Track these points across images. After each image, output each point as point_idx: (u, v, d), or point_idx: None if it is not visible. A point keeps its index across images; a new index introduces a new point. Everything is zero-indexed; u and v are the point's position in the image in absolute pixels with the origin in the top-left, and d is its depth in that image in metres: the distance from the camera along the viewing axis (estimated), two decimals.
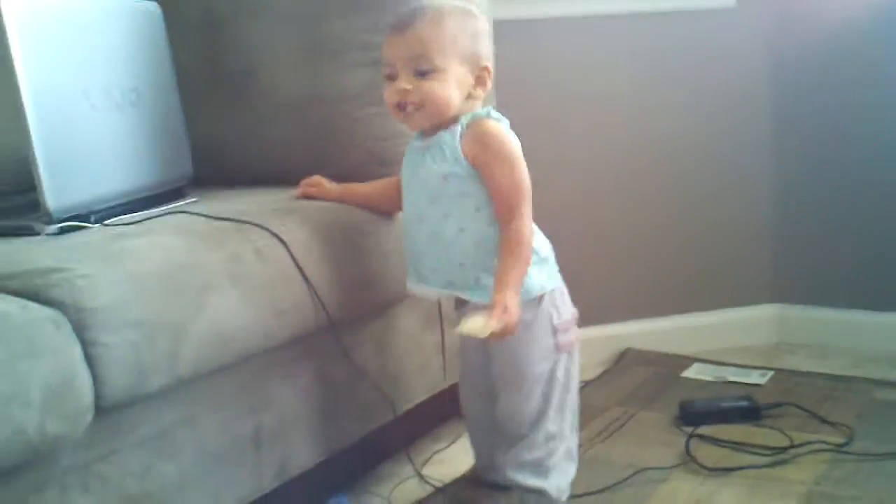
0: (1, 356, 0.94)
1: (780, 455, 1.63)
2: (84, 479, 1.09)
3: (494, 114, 1.33)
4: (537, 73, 2.15)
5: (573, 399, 1.39)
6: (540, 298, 1.33)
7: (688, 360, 2.18)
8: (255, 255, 1.27)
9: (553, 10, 2.13)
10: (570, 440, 1.40)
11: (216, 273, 1.20)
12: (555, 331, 1.34)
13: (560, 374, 1.36)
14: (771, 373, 2.07)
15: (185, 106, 1.55)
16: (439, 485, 1.58)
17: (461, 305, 1.38)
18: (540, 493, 1.37)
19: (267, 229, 1.30)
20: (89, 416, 1.03)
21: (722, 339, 2.30)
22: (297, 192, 1.50)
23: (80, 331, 1.04)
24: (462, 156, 1.29)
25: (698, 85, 2.24)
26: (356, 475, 1.63)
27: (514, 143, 1.30)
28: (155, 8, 1.51)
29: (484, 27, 1.34)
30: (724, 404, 1.83)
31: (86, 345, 1.04)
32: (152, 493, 1.17)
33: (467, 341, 1.39)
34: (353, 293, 1.42)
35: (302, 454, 1.41)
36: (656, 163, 2.26)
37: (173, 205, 1.44)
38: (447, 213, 1.30)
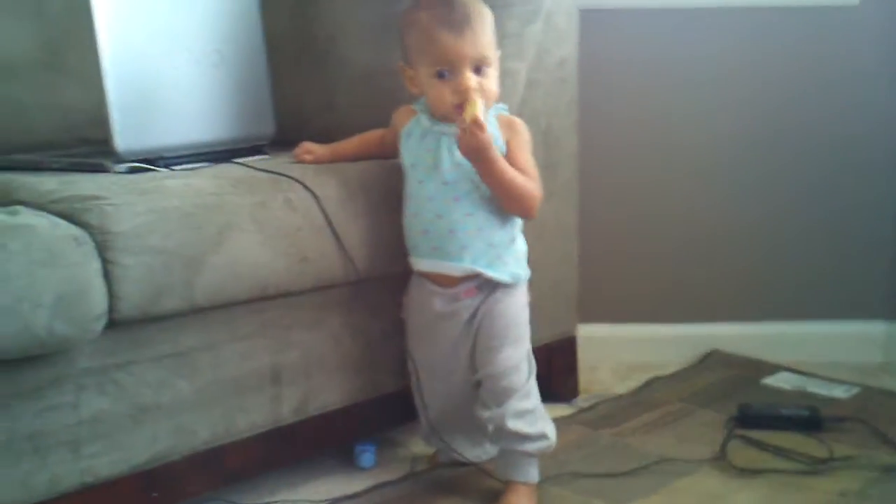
0: (21, 261, 1.10)
1: (818, 465, 1.58)
2: (100, 382, 1.25)
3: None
4: (647, 64, 2.16)
5: None
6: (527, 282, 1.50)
7: (773, 368, 2.11)
8: (285, 203, 1.38)
9: (667, 2, 2.13)
10: None
11: (240, 215, 1.32)
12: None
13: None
14: (857, 389, 1.98)
15: (274, 71, 1.68)
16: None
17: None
18: (543, 436, 1.46)
19: (301, 182, 1.42)
20: (100, 325, 1.18)
21: (823, 351, 2.20)
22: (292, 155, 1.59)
23: (103, 250, 1.19)
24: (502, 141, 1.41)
25: (817, 84, 2.16)
26: (389, 426, 1.71)
27: None
28: None
29: None
30: (784, 411, 1.78)
31: (106, 263, 1.19)
32: (164, 406, 1.32)
33: (449, 342, 1.49)
34: (387, 252, 1.50)
35: (325, 396, 1.52)
36: (767, 161, 2.20)
37: (241, 159, 1.58)
38: (483, 193, 1.39)
